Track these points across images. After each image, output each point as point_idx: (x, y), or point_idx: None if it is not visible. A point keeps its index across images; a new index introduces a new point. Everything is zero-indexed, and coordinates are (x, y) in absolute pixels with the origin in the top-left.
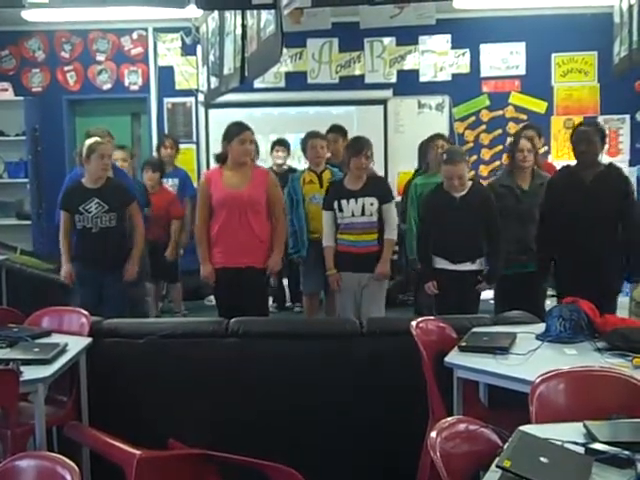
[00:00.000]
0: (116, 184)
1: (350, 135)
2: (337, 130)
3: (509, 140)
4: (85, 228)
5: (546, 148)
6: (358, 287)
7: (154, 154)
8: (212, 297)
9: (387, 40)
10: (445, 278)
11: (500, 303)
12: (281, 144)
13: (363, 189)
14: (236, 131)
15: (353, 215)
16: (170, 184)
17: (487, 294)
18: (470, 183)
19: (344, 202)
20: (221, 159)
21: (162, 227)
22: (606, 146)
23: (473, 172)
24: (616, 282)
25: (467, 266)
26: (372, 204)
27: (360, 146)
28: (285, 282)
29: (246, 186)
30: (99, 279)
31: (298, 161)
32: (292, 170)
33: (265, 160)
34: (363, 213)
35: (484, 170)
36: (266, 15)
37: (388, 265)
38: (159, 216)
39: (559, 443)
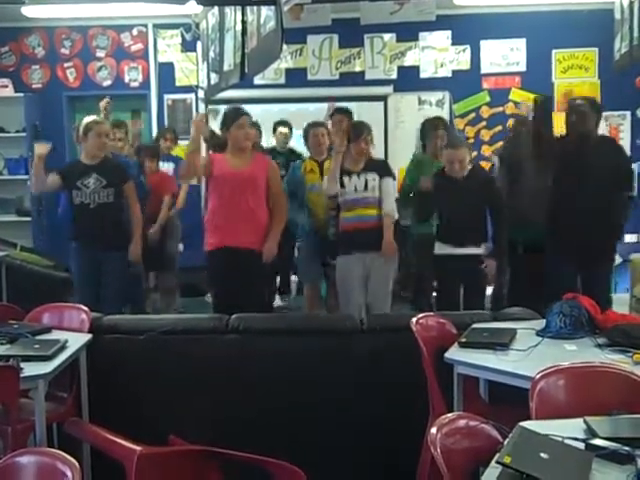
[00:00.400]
0: (114, 162)
1: None
2: (342, 111)
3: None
4: (83, 204)
5: None
6: (364, 271)
7: None
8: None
9: (387, 36)
10: (449, 265)
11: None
12: (283, 125)
13: (364, 168)
14: (233, 117)
15: (356, 190)
16: (165, 167)
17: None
18: (470, 166)
19: (346, 179)
20: (220, 147)
21: (158, 208)
22: (602, 119)
23: (475, 153)
24: (612, 245)
25: (472, 250)
26: (374, 179)
27: (359, 131)
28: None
29: (248, 167)
30: (98, 257)
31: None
32: (294, 152)
33: (269, 142)
34: (366, 188)
35: (484, 167)
36: (266, 11)
37: (393, 241)
38: (155, 199)
39: (559, 439)
